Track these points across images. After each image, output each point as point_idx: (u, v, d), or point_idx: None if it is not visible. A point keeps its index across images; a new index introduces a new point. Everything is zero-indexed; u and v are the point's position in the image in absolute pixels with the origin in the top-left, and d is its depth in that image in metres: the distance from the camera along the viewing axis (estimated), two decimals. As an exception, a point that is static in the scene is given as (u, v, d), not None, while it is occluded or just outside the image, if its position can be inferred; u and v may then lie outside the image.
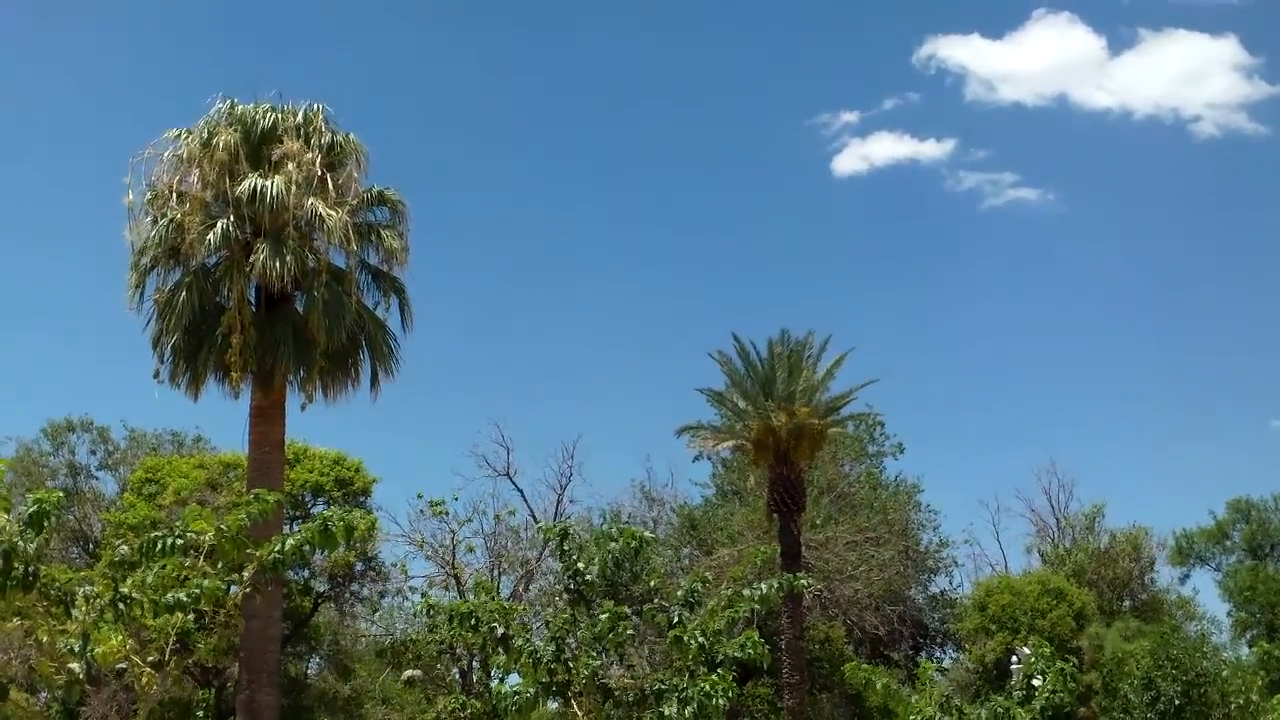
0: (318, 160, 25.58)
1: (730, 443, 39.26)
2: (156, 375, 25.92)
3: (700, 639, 16.22)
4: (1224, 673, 41.68)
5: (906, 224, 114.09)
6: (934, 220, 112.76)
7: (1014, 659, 34.70)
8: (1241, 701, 36.21)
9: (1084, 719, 45.89)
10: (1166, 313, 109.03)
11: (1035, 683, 22.48)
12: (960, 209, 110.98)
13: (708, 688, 15.63)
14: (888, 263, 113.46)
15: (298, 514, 33.78)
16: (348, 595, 37.94)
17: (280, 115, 26.27)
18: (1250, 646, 53.96)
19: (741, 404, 37.83)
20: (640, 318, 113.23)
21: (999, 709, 22.08)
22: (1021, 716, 21.66)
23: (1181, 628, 51.71)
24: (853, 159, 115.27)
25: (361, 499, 37.12)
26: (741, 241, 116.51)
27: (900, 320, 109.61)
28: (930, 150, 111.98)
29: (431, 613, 17.73)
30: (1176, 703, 39.84)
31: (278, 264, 24.51)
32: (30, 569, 12.24)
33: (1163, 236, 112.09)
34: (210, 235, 24.93)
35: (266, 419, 25.83)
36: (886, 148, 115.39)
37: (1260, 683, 38.30)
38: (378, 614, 41.03)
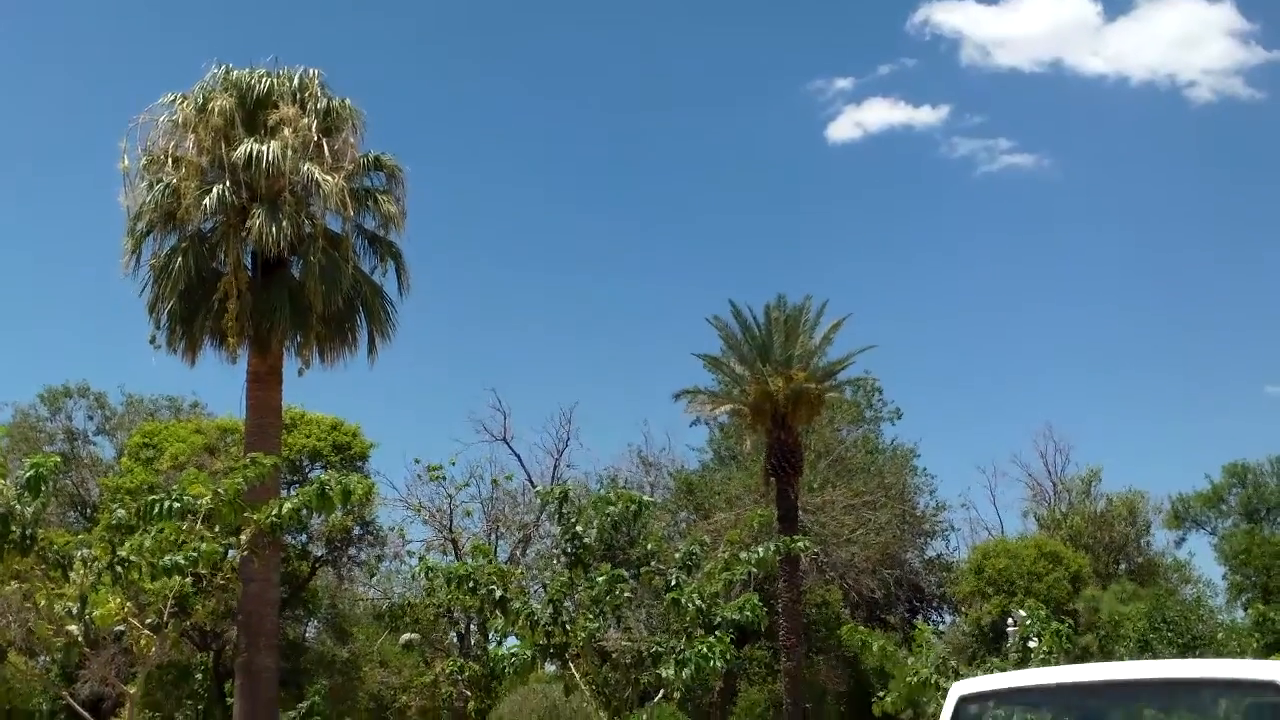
0: (314, 125, 25.43)
1: (727, 407, 39.30)
2: (153, 340, 25.83)
3: (698, 602, 16.29)
4: (1219, 635, 41.92)
5: (901, 191, 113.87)
6: (929, 187, 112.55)
7: (1010, 622, 34.88)
8: (1236, 664, 36.47)
9: (1079, 681, 46.12)
10: (1163, 278, 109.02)
11: (1031, 644, 22.67)
12: (955, 176, 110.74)
13: (705, 650, 15.72)
14: (883, 230, 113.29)
15: (295, 479, 33.82)
16: (345, 559, 38.01)
17: (276, 80, 26.10)
18: (1245, 609, 54.19)
19: (739, 369, 37.84)
20: (637, 284, 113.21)
21: (995, 669, 22.25)
22: (1017, 678, 21.81)
23: (1177, 591, 52.01)
24: (847, 126, 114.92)
25: (359, 464, 37.13)
26: (738, 208, 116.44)
27: (896, 287, 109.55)
28: (925, 117, 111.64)
29: (429, 575, 17.82)
30: (1172, 665, 40.06)
31: (274, 229, 24.38)
32: (28, 532, 12.29)
33: (1158, 202, 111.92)
34: (206, 200, 24.79)
35: (263, 384, 25.77)
36: (881, 114, 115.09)
37: (1255, 645, 38.51)
38: (375, 578, 41.18)
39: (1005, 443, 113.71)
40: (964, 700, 7.25)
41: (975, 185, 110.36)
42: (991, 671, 22.41)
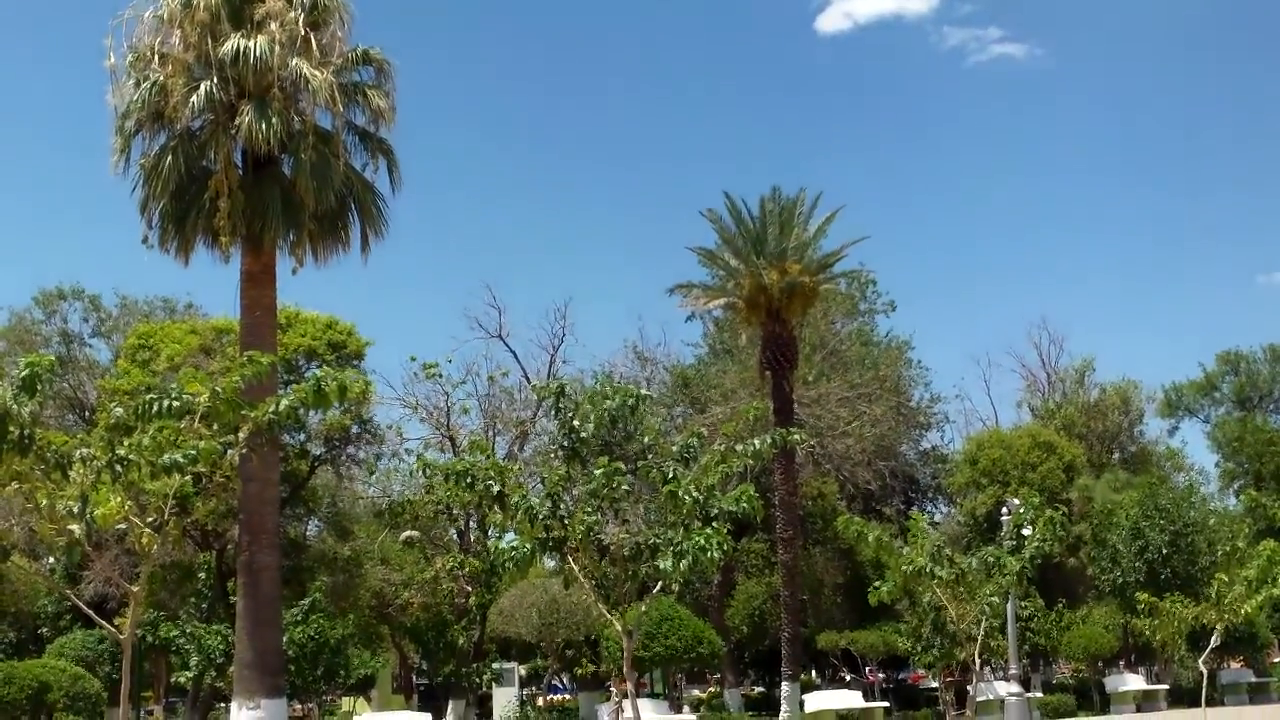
0: (300, 19, 25.05)
1: (722, 301, 39.27)
2: (145, 240, 25.67)
3: (694, 494, 16.35)
4: (1211, 521, 42.32)
5: (892, 83, 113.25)
6: (919, 78, 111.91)
7: (1004, 511, 35.22)
8: (1228, 549, 36.78)
9: (1074, 569, 46.67)
10: (1154, 169, 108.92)
11: (1025, 532, 22.84)
12: (946, 66, 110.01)
13: (702, 541, 15.81)
14: (874, 122, 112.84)
15: (291, 378, 33.82)
16: (344, 458, 38.15)
17: (259, -27, 25.65)
18: (1238, 496, 54.77)
19: (733, 262, 37.75)
20: (631, 179, 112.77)
21: (990, 558, 22.46)
22: (1011, 565, 22.03)
23: (1169, 479, 52.46)
24: (836, 16, 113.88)
25: (355, 362, 37.14)
26: (730, 100, 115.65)
27: (888, 179, 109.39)
28: (915, 6, 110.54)
29: (427, 472, 17.85)
30: (1164, 551, 40.52)
31: (263, 126, 24.12)
32: (26, 432, 12.27)
33: (1150, 91, 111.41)
34: (194, 98, 24.48)
35: (257, 283, 25.67)
36: (870, 4, 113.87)
37: (1247, 530, 38.88)
38: (374, 476, 41.39)
39: (999, 334, 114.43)
40: None
41: (966, 75, 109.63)
42: (987, 558, 22.64)
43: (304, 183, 24.70)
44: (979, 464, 48.39)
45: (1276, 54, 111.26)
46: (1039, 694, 41.95)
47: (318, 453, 37.04)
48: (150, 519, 13.69)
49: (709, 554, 15.84)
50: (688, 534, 16.13)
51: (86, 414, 41.61)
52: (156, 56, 25.02)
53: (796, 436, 20.67)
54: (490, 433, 42.17)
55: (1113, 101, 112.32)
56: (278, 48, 24.37)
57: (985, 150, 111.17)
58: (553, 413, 17.81)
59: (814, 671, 54.72)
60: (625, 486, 16.58)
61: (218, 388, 13.68)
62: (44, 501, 12.95)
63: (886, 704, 43.43)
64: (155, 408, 13.01)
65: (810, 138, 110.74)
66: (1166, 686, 43.44)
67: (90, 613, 15.68)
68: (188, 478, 13.45)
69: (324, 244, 26.26)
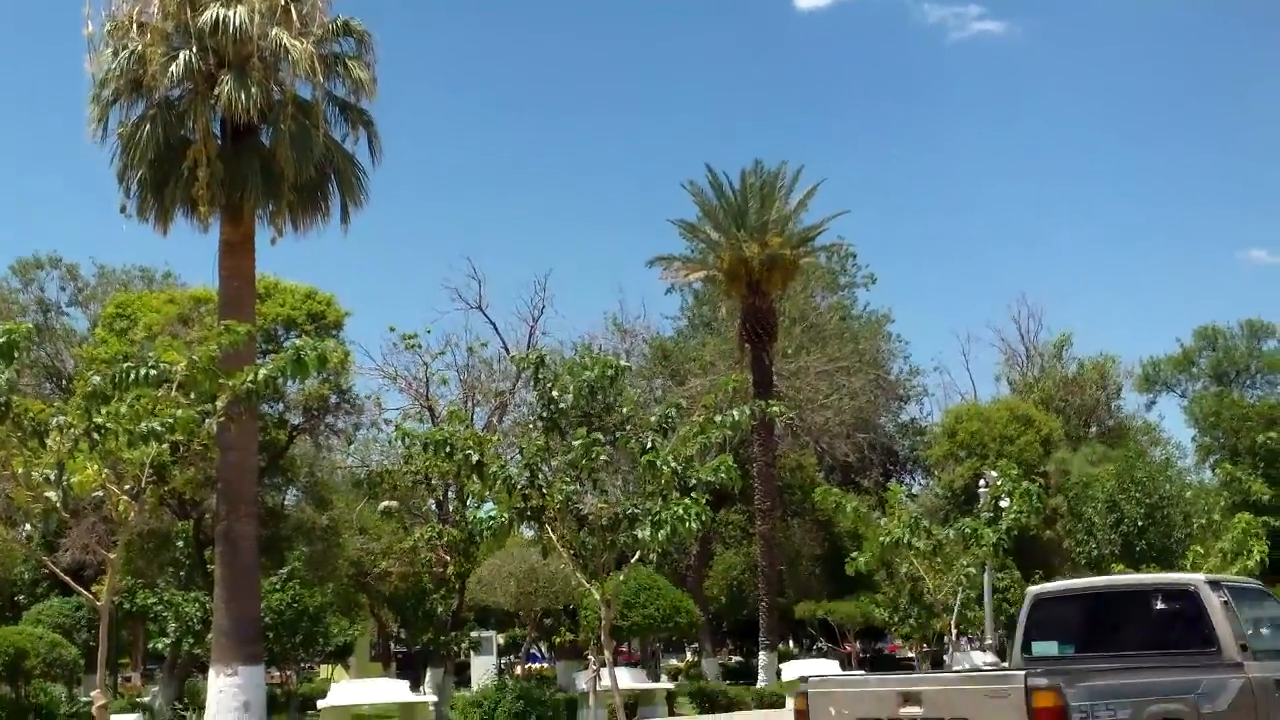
0: (280, -12, 24.94)
1: (702, 273, 39.33)
2: (123, 209, 25.50)
3: (673, 464, 16.41)
4: (1187, 494, 42.58)
5: (872, 59, 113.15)
6: (900, 55, 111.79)
7: (982, 483, 35.40)
8: (1204, 521, 37.06)
9: (1050, 541, 46.95)
10: (1135, 144, 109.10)
11: (1002, 504, 23.00)
12: (927, 43, 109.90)
13: (680, 511, 15.88)
14: (854, 98, 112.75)
15: (270, 348, 33.69)
16: (323, 428, 38.00)
17: (239, -58, 25.49)
18: (1213, 470, 55.07)
19: (714, 235, 37.79)
20: (611, 150, 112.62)
21: (967, 529, 22.62)
22: (988, 536, 22.18)
23: (1146, 452, 52.71)
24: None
25: (334, 332, 36.95)
26: (710, 75, 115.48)
27: (870, 154, 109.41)
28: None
29: (406, 442, 17.86)
30: (1139, 524, 40.75)
31: (243, 96, 23.98)
32: (2, 400, 12.27)
33: (1130, 66, 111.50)
34: (173, 67, 24.31)
35: (236, 253, 25.55)
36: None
37: (1222, 503, 39.15)
38: (353, 446, 41.32)
39: (979, 308, 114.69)
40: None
41: (947, 53, 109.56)
42: (964, 530, 22.81)
43: (284, 153, 24.59)
44: (957, 437, 48.60)
45: (1260, 31, 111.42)
46: (1015, 665, 42.23)
47: (296, 422, 36.94)
48: (127, 487, 13.70)
49: (687, 524, 15.92)
50: (666, 504, 16.19)
51: (64, 383, 41.41)
52: (135, 25, 24.81)
53: (775, 409, 20.77)
54: (469, 403, 42.10)
55: (1093, 78, 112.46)
56: (257, 17, 24.23)
57: (966, 126, 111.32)
58: (532, 384, 17.86)
59: (791, 641, 54.99)
60: (604, 457, 16.64)
61: (195, 356, 13.69)
62: (20, 469, 12.96)
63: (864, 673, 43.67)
64: (132, 376, 13.01)
65: (791, 112, 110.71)
66: (1140, 658, 43.79)
67: (67, 580, 15.69)
68: (165, 446, 13.47)
69: (303, 214, 26.15)
